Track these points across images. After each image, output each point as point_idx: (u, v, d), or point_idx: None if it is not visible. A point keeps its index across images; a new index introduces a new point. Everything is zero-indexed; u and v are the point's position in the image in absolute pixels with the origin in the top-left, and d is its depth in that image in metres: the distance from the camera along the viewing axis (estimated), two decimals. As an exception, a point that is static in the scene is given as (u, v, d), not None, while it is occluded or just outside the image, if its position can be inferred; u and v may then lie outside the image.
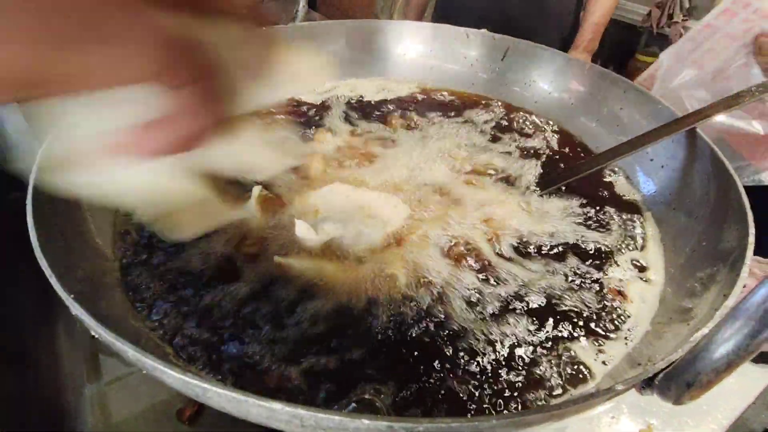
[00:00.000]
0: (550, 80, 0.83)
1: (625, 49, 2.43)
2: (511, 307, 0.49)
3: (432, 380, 0.42)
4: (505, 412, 0.37)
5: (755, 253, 0.45)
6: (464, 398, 0.41)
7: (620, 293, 0.53)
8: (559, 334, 0.47)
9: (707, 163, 0.59)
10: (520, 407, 0.38)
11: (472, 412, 0.39)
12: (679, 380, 0.28)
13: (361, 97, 0.85)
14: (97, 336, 0.35)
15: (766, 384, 0.63)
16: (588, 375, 0.44)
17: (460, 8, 1.35)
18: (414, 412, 0.38)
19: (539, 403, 0.40)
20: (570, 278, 0.54)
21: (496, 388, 0.41)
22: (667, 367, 0.31)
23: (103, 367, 0.59)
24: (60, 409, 0.55)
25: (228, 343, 0.45)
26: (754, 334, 0.25)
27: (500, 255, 0.55)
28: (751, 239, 0.44)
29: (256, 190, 0.59)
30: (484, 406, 0.40)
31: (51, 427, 0.53)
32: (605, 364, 0.46)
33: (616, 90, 0.75)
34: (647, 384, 0.33)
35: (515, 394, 0.41)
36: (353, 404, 0.39)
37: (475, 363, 0.44)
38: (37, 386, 0.56)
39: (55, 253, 0.42)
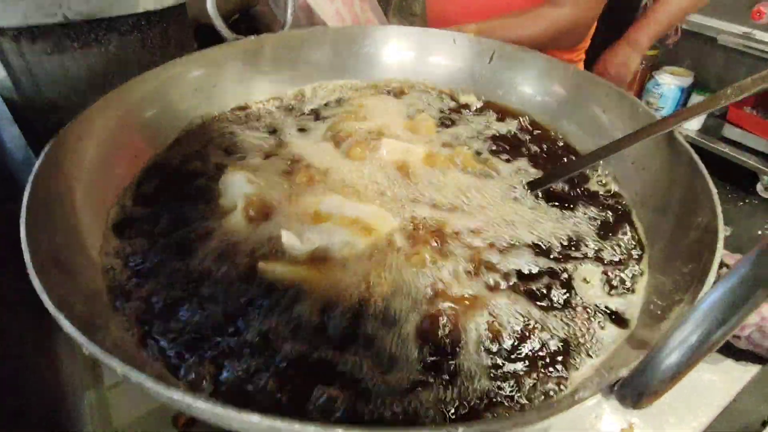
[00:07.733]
0: (534, 83, 0.84)
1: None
2: (496, 311, 0.51)
3: (404, 384, 0.43)
4: (470, 420, 0.39)
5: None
6: (439, 404, 0.42)
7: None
8: (539, 342, 0.49)
9: (685, 165, 0.60)
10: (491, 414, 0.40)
11: (451, 418, 0.41)
12: (631, 390, 0.30)
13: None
14: (87, 353, 0.37)
15: (747, 381, 0.64)
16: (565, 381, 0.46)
17: None
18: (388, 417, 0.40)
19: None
20: (556, 280, 0.55)
21: (472, 395, 0.43)
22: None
23: (102, 372, 0.61)
24: (60, 414, 0.56)
25: (214, 351, 0.46)
26: (700, 344, 0.26)
27: (490, 258, 0.56)
28: (720, 245, 0.46)
29: (241, 201, 0.60)
30: (460, 411, 0.42)
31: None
32: (577, 369, 0.47)
33: (597, 92, 0.76)
34: (611, 390, 0.34)
35: (492, 401, 0.42)
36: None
37: (450, 368, 0.45)
38: (37, 391, 0.56)
39: (47, 268, 0.43)
